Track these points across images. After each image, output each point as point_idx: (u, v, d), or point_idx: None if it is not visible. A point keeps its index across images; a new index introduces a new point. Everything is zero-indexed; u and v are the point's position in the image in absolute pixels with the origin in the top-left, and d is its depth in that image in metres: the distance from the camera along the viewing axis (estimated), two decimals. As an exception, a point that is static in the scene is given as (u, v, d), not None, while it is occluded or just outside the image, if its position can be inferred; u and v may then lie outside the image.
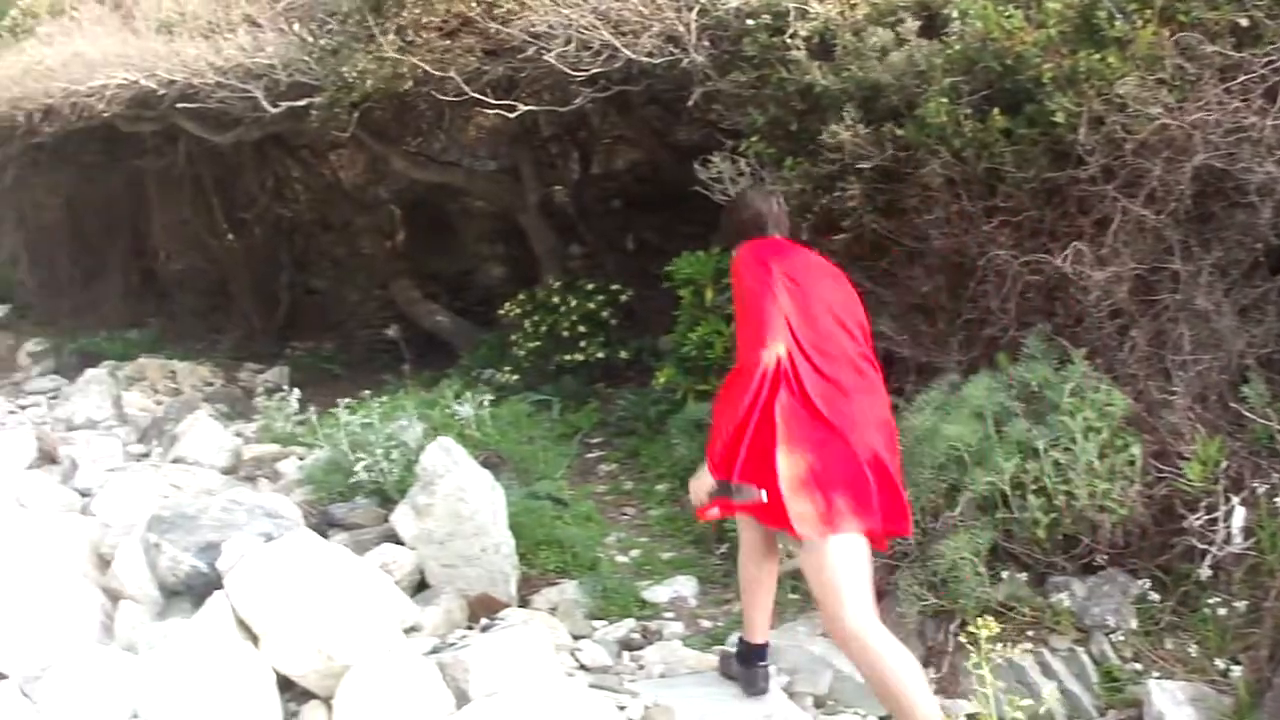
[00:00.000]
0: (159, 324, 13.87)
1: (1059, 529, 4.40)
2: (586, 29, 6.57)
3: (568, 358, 8.59)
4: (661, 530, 6.17)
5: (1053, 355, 4.82)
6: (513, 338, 9.13)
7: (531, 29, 6.82)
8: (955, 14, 5.15)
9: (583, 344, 8.52)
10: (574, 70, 6.71)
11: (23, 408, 9.35)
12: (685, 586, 5.38)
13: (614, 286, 8.81)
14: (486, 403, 7.06)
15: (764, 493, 3.64)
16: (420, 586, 5.36)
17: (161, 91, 8.70)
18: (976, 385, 4.77)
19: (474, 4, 7.18)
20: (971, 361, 5.25)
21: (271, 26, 8.60)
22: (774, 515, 3.67)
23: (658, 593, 5.38)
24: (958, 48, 5.09)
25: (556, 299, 8.84)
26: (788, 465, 3.59)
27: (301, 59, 8.14)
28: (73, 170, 12.35)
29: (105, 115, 8.90)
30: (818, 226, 5.88)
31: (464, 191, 11.35)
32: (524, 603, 5.33)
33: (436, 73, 7.29)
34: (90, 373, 9.28)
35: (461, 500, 5.38)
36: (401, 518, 5.59)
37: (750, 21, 6.20)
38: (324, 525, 6.14)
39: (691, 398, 6.78)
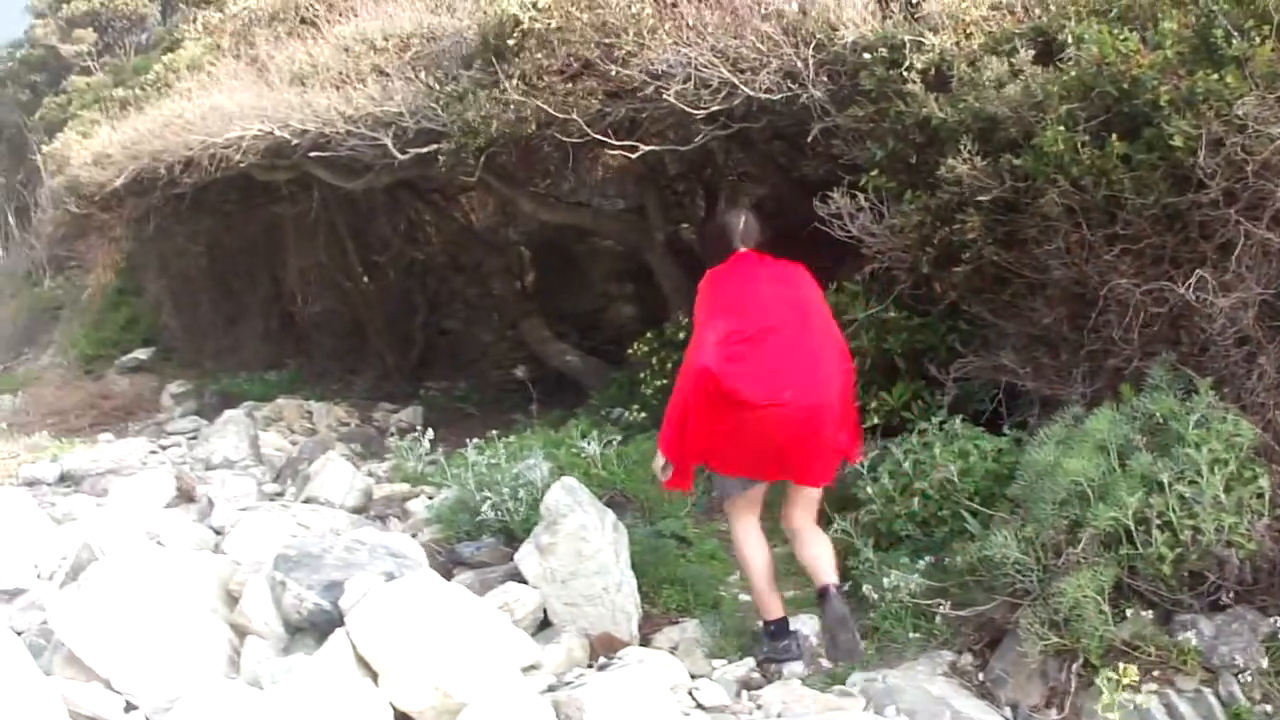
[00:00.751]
0: (297, 365, 14.57)
1: (1185, 565, 4.39)
2: (705, 67, 6.80)
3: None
4: (784, 569, 6.23)
5: (1178, 385, 4.82)
6: (641, 376, 9.35)
7: (651, 69, 7.08)
8: (1069, 39, 5.20)
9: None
10: (693, 108, 6.94)
11: (163, 448, 9.92)
12: (806, 625, 5.46)
13: (741, 323, 8.95)
14: (614, 442, 7.30)
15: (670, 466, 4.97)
16: (544, 625, 5.60)
17: (295, 141, 9.24)
18: (1099, 418, 4.79)
19: (593, 47, 7.46)
20: (1095, 393, 5.28)
21: (399, 76, 9.06)
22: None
23: (778, 631, 5.47)
24: (1073, 74, 5.15)
25: (684, 336, 9.01)
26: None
27: (429, 106, 8.56)
28: (212, 218, 13.07)
29: (241, 165, 9.46)
30: (938, 259, 5.99)
31: (592, 232, 11.68)
32: (645, 641, 5.50)
33: (559, 115, 7.61)
34: (228, 414, 9.82)
35: (583, 539, 5.59)
36: (525, 557, 5.82)
37: (867, 55, 6.36)
38: (450, 564, 6.46)
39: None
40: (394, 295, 14.31)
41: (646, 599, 5.78)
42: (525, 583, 5.68)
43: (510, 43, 7.67)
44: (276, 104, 9.33)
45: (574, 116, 7.55)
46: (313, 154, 9.18)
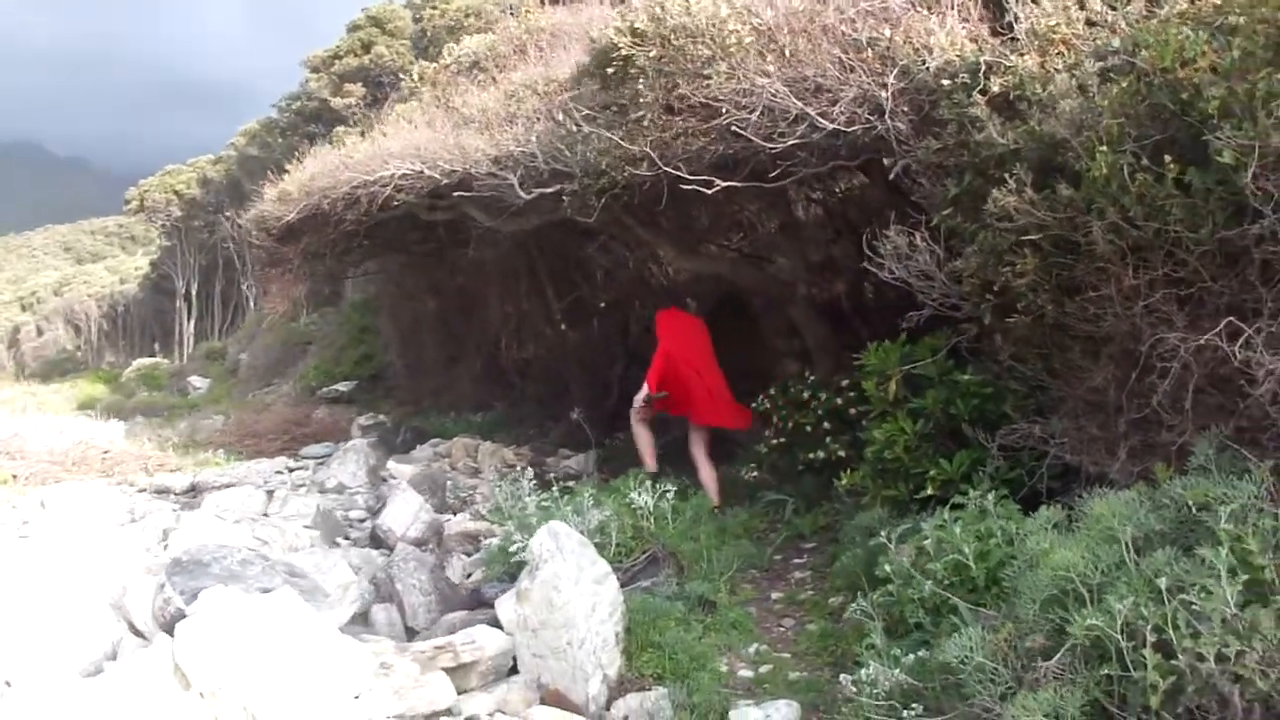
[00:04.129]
0: (504, 409, 14.26)
1: (1181, 698, 3.16)
2: (775, 96, 5.94)
3: (810, 455, 7.73)
4: (808, 647, 5.26)
5: (1234, 468, 3.60)
6: (766, 433, 8.44)
7: (731, 98, 6.27)
8: (1119, 44, 4.09)
9: (827, 440, 7.63)
10: (767, 141, 6.09)
11: (290, 470, 9.69)
12: (782, 712, 4.45)
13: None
14: (668, 494, 6.47)
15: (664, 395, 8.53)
16: (512, 673, 4.87)
17: (444, 181, 8.89)
18: (1110, 501, 3.63)
19: (691, 79, 6.70)
20: (1144, 472, 4.08)
21: (541, 117, 8.58)
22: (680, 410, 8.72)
23: (748, 714, 4.48)
24: (1124, 84, 4.02)
25: (806, 394, 8.05)
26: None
27: (556, 146, 8.02)
28: (394, 256, 12.91)
29: (395, 204, 9.18)
30: (1000, 307, 4.87)
31: (732, 282, 10.79)
32: (608, 705, 4.66)
33: (654, 153, 6.91)
34: (352, 442, 9.53)
35: (555, 589, 4.82)
36: (504, 601, 5.13)
37: (946, 81, 5.34)
38: (475, 602, 5.86)
39: (879, 504, 5.82)
40: (594, 344, 13.78)
41: (630, 660, 4.93)
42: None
43: (610, 71, 7.02)
44: (431, 144, 9.05)
45: (648, 152, 6.81)
46: (456, 194, 8.81)
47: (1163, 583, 3.22)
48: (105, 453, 9.56)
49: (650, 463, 8.68)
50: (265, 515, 7.01)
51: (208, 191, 37.05)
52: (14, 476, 8.44)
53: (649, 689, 4.73)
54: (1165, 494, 3.66)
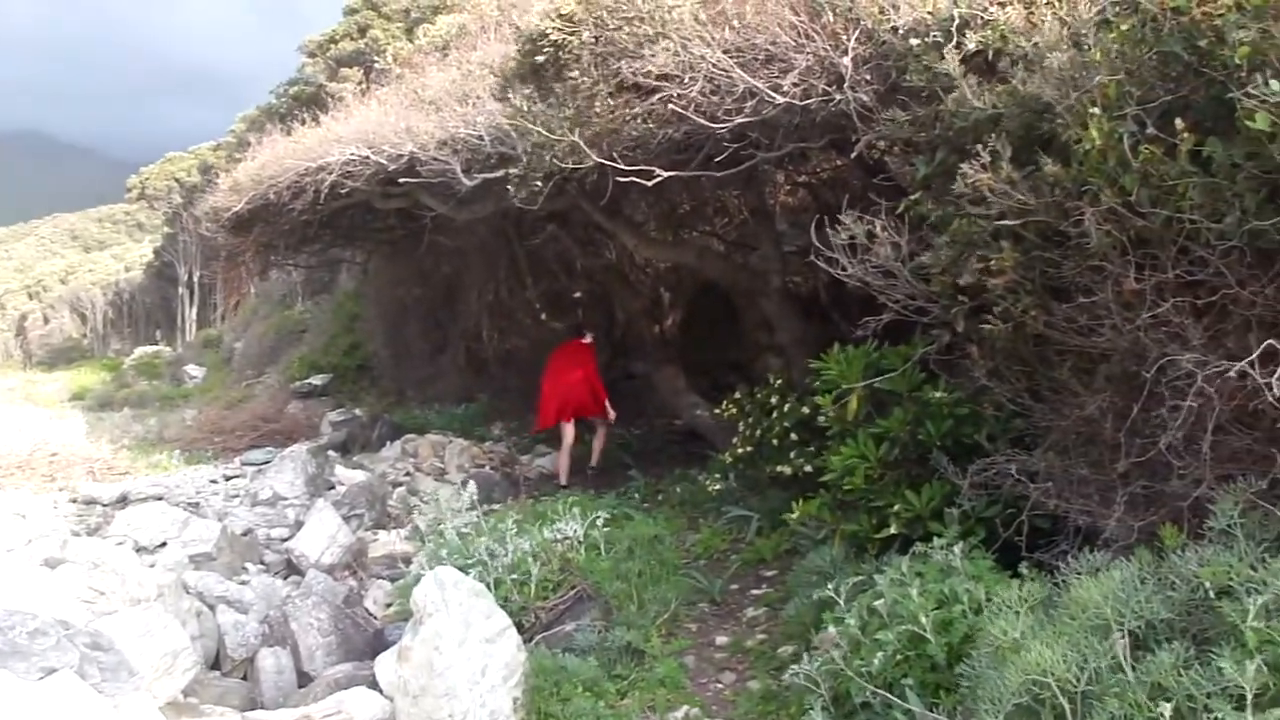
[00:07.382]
0: (487, 401, 13.30)
1: None
2: (717, 68, 4.91)
3: (777, 469, 6.70)
4: (747, 711, 4.26)
5: (1265, 533, 2.61)
6: (734, 440, 7.42)
7: (671, 73, 5.26)
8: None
9: (792, 454, 6.60)
10: (711, 121, 5.07)
11: (227, 479, 8.71)
12: None
13: (841, 388, 6.85)
14: (601, 521, 5.48)
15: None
16: None
17: (391, 167, 7.90)
18: (1101, 580, 2.63)
19: (628, 59, 5.68)
20: (1147, 529, 3.06)
21: (497, 97, 7.58)
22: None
23: (651, 818, 3.51)
24: (1125, 27, 2.99)
25: (774, 400, 7.03)
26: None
27: (504, 129, 7.03)
28: (368, 246, 11.91)
29: (345, 191, 8.19)
30: (975, 311, 3.85)
31: (698, 271, 9.75)
32: (493, 800, 3.69)
33: (602, 139, 5.92)
34: (291, 449, 8.49)
35: (436, 650, 3.87)
36: (385, 660, 4.20)
37: (915, 42, 4.32)
38: (379, 646, 4.89)
39: (837, 539, 4.81)
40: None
41: (532, 736, 3.95)
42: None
43: (541, 60, 6.03)
44: (381, 129, 8.06)
45: (578, 143, 5.83)
46: (401, 180, 7.83)
47: (1166, 709, 2.23)
48: (54, 455, 8.63)
49: (563, 474, 9.27)
50: (163, 545, 6.00)
51: (208, 179, 35.69)
52: (-50, 485, 7.56)
53: (545, 775, 3.78)
54: (1174, 569, 2.67)
